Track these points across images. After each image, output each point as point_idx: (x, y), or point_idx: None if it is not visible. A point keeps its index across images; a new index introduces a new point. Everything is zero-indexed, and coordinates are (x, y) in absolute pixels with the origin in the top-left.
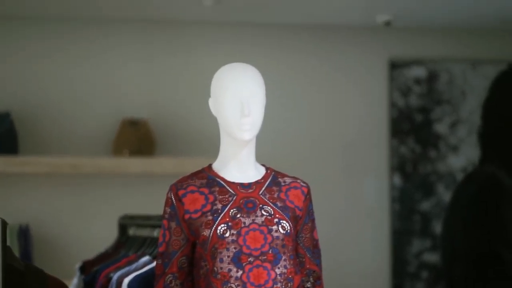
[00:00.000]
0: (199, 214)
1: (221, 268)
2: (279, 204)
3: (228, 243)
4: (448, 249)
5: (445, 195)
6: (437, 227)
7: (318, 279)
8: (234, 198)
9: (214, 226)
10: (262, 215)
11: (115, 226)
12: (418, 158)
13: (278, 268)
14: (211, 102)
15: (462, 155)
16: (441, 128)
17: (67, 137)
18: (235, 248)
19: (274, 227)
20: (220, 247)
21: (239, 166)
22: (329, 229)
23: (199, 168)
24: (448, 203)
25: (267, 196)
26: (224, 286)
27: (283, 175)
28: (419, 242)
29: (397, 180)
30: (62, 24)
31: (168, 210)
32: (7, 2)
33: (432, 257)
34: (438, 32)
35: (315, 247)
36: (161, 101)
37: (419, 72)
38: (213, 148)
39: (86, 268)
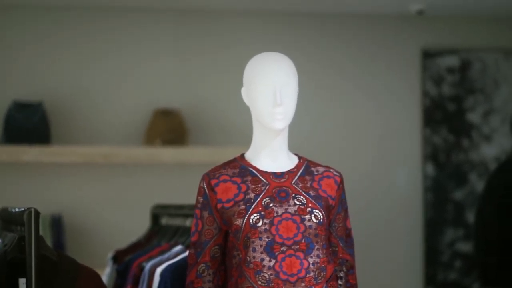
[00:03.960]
0: (231, 203)
1: (254, 257)
2: (312, 193)
3: (260, 232)
4: (482, 239)
5: (478, 184)
6: (470, 216)
7: (351, 268)
8: (266, 188)
9: (247, 216)
10: (295, 204)
11: (148, 215)
12: (451, 147)
13: (311, 257)
14: (243, 91)
15: (494, 144)
16: (473, 117)
17: (100, 127)
18: (267, 237)
19: (307, 216)
20: (253, 236)
21: (271, 155)
22: (362, 219)
23: (231, 158)
24: (482, 192)
25: (300, 185)
26: (257, 276)
27: (316, 165)
28: (452, 232)
29: (430, 169)
30: (94, 14)
31: (201, 199)
32: None
33: (465, 247)
34: (470, 21)
35: (348, 237)
36: (193, 91)
37: (452, 61)
38: (245, 137)
39: (118, 257)
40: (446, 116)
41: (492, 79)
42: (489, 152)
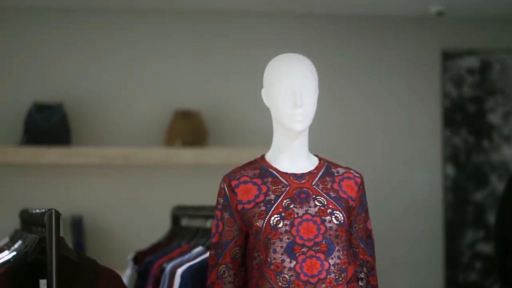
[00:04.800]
0: (252, 204)
1: (275, 258)
2: (332, 194)
3: (281, 233)
4: (501, 240)
5: (498, 185)
6: (491, 218)
7: (371, 269)
8: (287, 189)
9: (267, 217)
10: (316, 205)
11: (168, 217)
12: (471, 149)
13: (332, 258)
14: (263, 93)
15: None
16: (494, 118)
17: (120, 128)
18: (288, 238)
19: (328, 218)
20: (274, 237)
21: (292, 156)
22: (382, 221)
23: (251, 159)
24: (501, 194)
25: (320, 186)
26: (278, 277)
27: (336, 166)
28: (473, 233)
29: (450, 170)
30: (115, 16)
31: (221, 200)
32: None
33: (486, 248)
34: (490, 22)
35: (368, 238)
36: (213, 92)
37: (472, 62)
38: (265, 138)
39: (139, 259)
40: (466, 117)
41: None
42: (510, 153)
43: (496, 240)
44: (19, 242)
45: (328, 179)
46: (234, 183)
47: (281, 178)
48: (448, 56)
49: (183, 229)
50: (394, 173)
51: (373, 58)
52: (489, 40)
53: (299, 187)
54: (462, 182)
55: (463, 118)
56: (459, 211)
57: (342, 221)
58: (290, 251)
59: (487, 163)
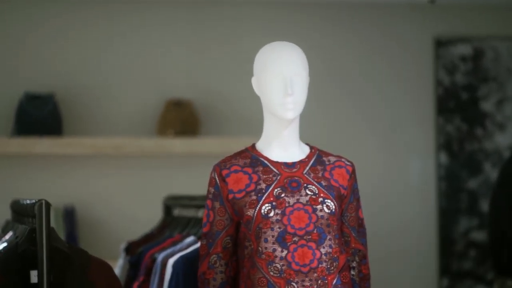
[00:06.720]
0: (243, 194)
1: (266, 248)
2: (323, 183)
3: (272, 222)
4: (495, 228)
5: (492, 173)
6: (484, 205)
7: (363, 258)
8: (278, 178)
9: (259, 206)
10: (307, 194)
11: (160, 206)
12: (465, 136)
13: (323, 247)
14: (254, 81)
15: (508, 133)
16: (487, 106)
17: (111, 118)
18: (279, 227)
19: (319, 207)
20: (265, 227)
21: (282, 145)
22: (376, 209)
23: (243, 148)
24: (495, 181)
25: (312, 175)
26: (269, 266)
27: (328, 154)
28: (466, 221)
29: (444, 158)
30: (106, 4)
31: (212, 190)
32: None
33: (480, 236)
34: (483, 9)
35: (360, 226)
36: (205, 82)
37: (465, 49)
38: (257, 127)
39: (131, 249)
40: (459, 105)
41: (505, 68)
42: (503, 140)
43: (490, 228)
44: (10, 233)
45: (319, 167)
46: (224, 172)
47: (272, 167)
48: (440, 44)
49: (175, 219)
50: (387, 161)
51: (365, 46)
52: (482, 27)
53: (290, 176)
54: (455, 170)
55: (456, 106)
56: (452, 199)
57: (333, 210)
58: (281, 240)
59: (481, 151)
